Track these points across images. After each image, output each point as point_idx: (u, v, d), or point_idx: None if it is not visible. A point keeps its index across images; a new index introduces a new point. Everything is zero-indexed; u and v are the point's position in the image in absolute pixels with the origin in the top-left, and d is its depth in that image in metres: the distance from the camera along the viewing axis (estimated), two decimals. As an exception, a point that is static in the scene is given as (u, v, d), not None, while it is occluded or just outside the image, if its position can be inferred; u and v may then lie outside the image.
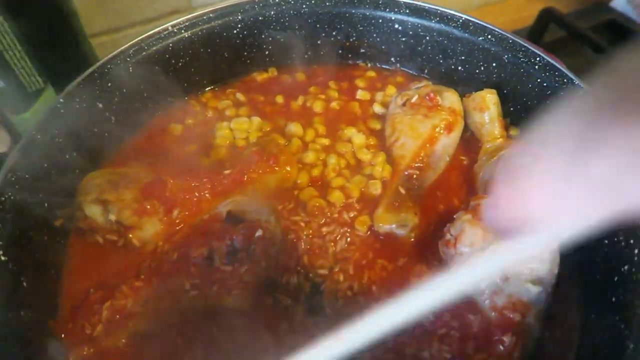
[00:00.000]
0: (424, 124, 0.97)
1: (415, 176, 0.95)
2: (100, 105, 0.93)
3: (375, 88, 1.15)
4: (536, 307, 0.76)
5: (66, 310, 0.78)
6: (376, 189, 0.95)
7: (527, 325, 0.76)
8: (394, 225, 0.88)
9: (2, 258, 0.69)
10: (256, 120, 1.04)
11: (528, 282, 0.76)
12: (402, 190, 0.93)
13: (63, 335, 0.73)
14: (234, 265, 0.77)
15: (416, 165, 0.96)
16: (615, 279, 0.71)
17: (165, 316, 0.77)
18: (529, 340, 0.75)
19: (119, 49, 0.96)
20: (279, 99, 1.11)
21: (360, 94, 1.13)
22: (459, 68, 1.08)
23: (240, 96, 1.11)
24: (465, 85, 1.06)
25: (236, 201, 0.85)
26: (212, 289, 0.77)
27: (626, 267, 0.69)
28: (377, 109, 1.10)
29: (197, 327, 0.76)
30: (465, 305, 0.78)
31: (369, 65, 1.20)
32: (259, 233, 0.80)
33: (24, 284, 0.71)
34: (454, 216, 0.84)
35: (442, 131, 0.97)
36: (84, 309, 0.75)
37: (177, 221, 0.87)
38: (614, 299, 0.70)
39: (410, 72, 1.18)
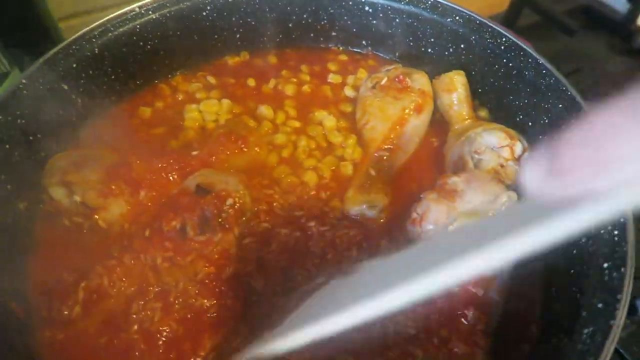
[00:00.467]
0: (393, 106, 0.98)
1: (385, 158, 0.96)
2: (65, 87, 0.91)
3: (346, 71, 1.15)
4: (498, 281, 0.77)
5: (35, 294, 0.77)
6: (347, 170, 0.95)
7: (489, 299, 0.77)
8: (363, 206, 0.89)
9: (-38, 239, 0.68)
10: (226, 102, 1.04)
11: (491, 257, 0.77)
12: (373, 172, 0.94)
13: (38, 321, 0.73)
14: (207, 235, 0.78)
15: (386, 147, 0.97)
16: (574, 251, 0.72)
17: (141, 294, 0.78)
18: (493, 315, 0.77)
19: (84, 30, 0.95)
20: (251, 82, 1.11)
21: (332, 78, 1.13)
22: (429, 50, 1.08)
23: (211, 79, 1.11)
24: (435, 67, 1.06)
25: (204, 174, 0.85)
26: (186, 260, 0.77)
27: (583, 240, 0.71)
28: (349, 92, 1.10)
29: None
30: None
31: (341, 48, 1.20)
32: (229, 201, 0.81)
33: (-16, 264, 0.70)
34: (421, 195, 0.85)
35: (411, 113, 0.97)
36: (59, 291, 0.74)
37: (145, 202, 0.86)
38: (572, 271, 0.72)
39: (382, 55, 1.18)
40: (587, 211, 0.37)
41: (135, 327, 0.75)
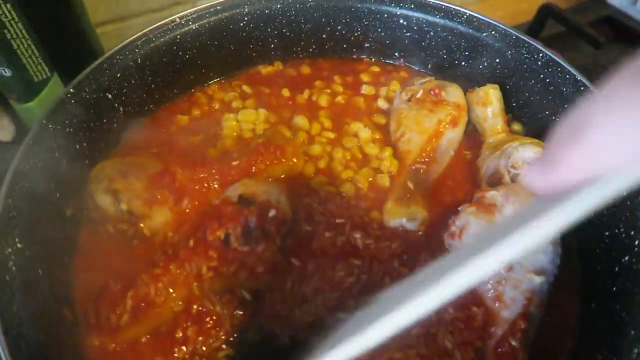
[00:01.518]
0: (429, 119, 0.99)
1: (422, 170, 0.97)
2: (109, 96, 0.93)
3: (379, 83, 1.16)
4: (539, 297, 0.78)
5: (81, 301, 0.79)
6: (384, 182, 0.97)
7: (529, 315, 0.78)
8: (403, 219, 0.90)
9: (18, 245, 0.69)
10: (263, 112, 1.05)
11: (531, 272, 0.78)
12: (410, 185, 0.95)
13: (86, 328, 0.74)
14: (251, 245, 0.80)
15: (423, 159, 0.98)
16: (616, 269, 0.73)
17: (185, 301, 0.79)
18: (531, 328, 0.78)
19: (128, 40, 0.96)
20: (285, 92, 1.12)
21: (365, 89, 1.14)
22: (463, 63, 1.10)
23: (246, 88, 1.12)
24: (469, 80, 1.08)
25: (246, 184, 0.87)
26: (229, 270, 0.79)
27: (627, 258, 0.72)
28: (381, 103, 1.11)
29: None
30: (469, 298, 0.81)
31: (373, 59, 1.21)
32: (272, 212, 0.82)
33: (39, 271, 0.72)
34: (459, 208, 0.86)
35: (447, 125, 0.99)
36: (107, 300, 0.76)
37: (187, 211, 0.88)
38: (614, 289, 0.73)
39: (414, 67, 1.19)
40: (587, 195, 0.40)
41: (180, 333, 0.76)
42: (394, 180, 0.97)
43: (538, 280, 0.78)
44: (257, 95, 1.12)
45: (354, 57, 1.21)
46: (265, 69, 1.18)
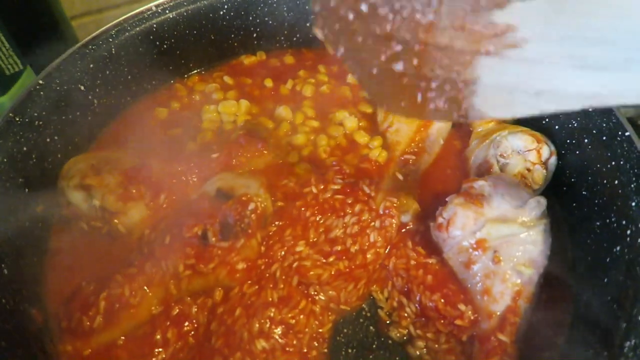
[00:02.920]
0: (417, 109, 0.96)
1: (411, 161, 0.94)
2: (82, 88, 0.90)
3: (365, 72, 1.12)
4: (528, 289, 0.75)
5: (52, 302, 0.76)
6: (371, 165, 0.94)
7: (519, 308, 0.75)
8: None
9: (-19, 244, 0.66)
10: (244, 103, 1.02)
11: (520, 264, 0.75)
12: (400, 176, 0.92)
13: (58, 332, 0.71)
14: (230, 241, 0.77)
15: (412, 149, 0.95)
16: (608, 260, 0.71)
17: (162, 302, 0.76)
18: (521, 322, 0.75)
19: (101, 29, 0.93)
20: (268, 83, 1.09)
21: (351, 78, 1.11)
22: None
23: (227, 79, 1.09)
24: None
25: (224, 178, 0.84)
26: (208, 267, 0.76)
27: (618, 248, 0.69)
28: (368, 93, 1.08)
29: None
30: (457, 293, 0.78)
31: (359, 48, 1.17)
32: (251, 206, 0.79)
33: (4, 271, 0.68)
34: (446, 199, 0.83)
35: (435, 114, 0.95)
36: (79, 302, 0.73)
37: (164, 206, 0.85)
38: (606, 280, 0.70)
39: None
40: None
41: (159, 336, 0.73)
42: (382, 172, 0.94)
43: (527, 272, 0.75)
44: (239, 86, 1.08)
45: (339, 46, 1.17)
46: (247, 60, 1.14)
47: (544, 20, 0.49)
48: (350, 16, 0.55)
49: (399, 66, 0.57)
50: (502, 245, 0.76)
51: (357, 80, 0.62)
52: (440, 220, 0.82)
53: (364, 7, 0.54)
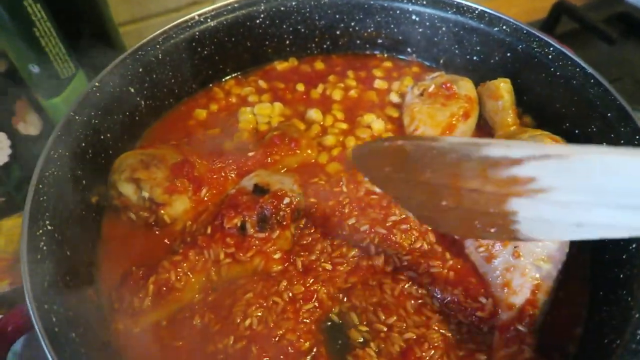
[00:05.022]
0: (442, 113, 1.01)
1: None
2: (132, 90, 0.98)
3: (391, 78, 1.18)
4: (546, 284, 0.80)
5: (105, 284, 0.83)
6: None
7: (537, 301, 0.80)
8: None
9: (48, 227, 0.74)
10: (278, 105, 1.09)
11: (539, 259, 0.80)
12: None
13: (110, 312, 0.78)
14: (267, 232, 0.83)
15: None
16: (624, 256, 0.75)
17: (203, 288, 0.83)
18: (539, 314, 0.79)
19: (149, 37, 1.01)
20: (299, 87, 1.16)
21: (378, 83, 1.17)
22: (474, 58, 1.11)
23: (262, 83, 1.16)
24: (480, 74, 1.09)
25: (260, 174, 0.90)
26: (246, 256, 0.83)
27: (634, 246, 0.73)
28: (394, 97, 1.14)
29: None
30: (478, 286, 0.83)
31: (386, 55, 1.24)
32: (286, 200, 0.86)
33: (67, 252, 0.76)
34: None
35: (460, 118, 1.00)
36: (130, 285, 0.80)
37: (205, 199, 0.92)
38: (621, 276, 0.74)
39: (426, 63, 1.21)
40: None
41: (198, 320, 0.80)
42: None
43: (546, 267, 0.79)
44: (273, 90, 1.15)
45: (367, 52, 1.24)
46: (280, 65, 1.21)
47: (564, 176, 0.50)
48: (389, 170, 0.64)
49: (443, 202, 0.63)
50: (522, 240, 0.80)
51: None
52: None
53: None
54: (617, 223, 0.50)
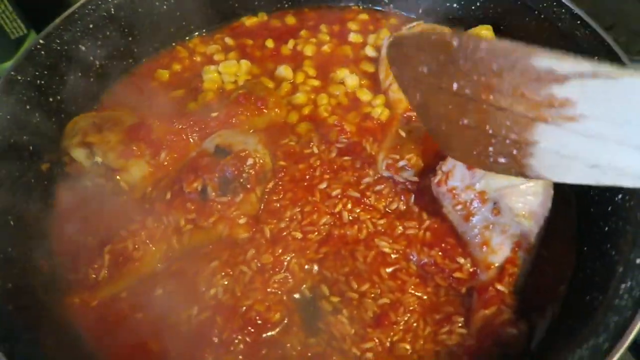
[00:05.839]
0: (418, 64, 0.94)
1: (414, 118, 0.93)
2: (83, 48, 0.90)
3: (367, 31, 1.11)
4: (528, 241, 0.75)
5: (61, 256, 0.78)
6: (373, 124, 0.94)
7: (518, 259, 0.75)
8: (388, 173, 0.86)
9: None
10: (245, 63, 1.02)
11: (520, 216, 0.74)
12: (403, 133, 0.91)
13: (65, 284, 0.74)
14: (229, 196, 0.78)
15: (413, 107, 0.94)
16: (609, 208, 0.70)
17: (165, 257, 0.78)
18: (520, 273, 0.74)
19: (101, -12, 0.92)
20: (269, 44, 1.08)
21: (353, 37, 1.09)
22: (454, 5, 1.04)
23: (229, 41, 1.08)
24: (461, 22, 1.02)
25: (222, 135, 0.84)
26: (209, 222, 0.77)
27: (620, 196, 0.68)
28: (370, 52, 1.06)
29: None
30: (456, 246, 0.78)
31: (362, 7, 1.15)
32: (249, 162, 0.80)
33: (11, 222, 0.71)
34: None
35: (440, 70, 0.94)
36: (85, 255, 0.75)
37: (165, 164, 0.86)
38: (606, 229, 0.69)
39: (404, 13, 1.13)
40: None
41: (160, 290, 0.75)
42: (385, 130, 0.93)
43: (527, 224, 0.74)
44: (240, 47, 1.08)
45: (342, 4, 1.15)
46: (249, 21, 1.13)
47: (602, 102, 0.49)
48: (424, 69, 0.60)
49: (464, 120, 0.60)
50: (502, 196, 0.75)
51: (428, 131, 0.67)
52: (439, 174, 0.82)
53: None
54: (631, 169, 0.50)
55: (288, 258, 0.77)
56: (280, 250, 0.77)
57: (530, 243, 0.75)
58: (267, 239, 0.79)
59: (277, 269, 0.76)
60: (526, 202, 0.75)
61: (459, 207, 0.79)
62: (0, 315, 0.60)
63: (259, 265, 0.76)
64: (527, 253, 0.75)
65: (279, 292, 0.75)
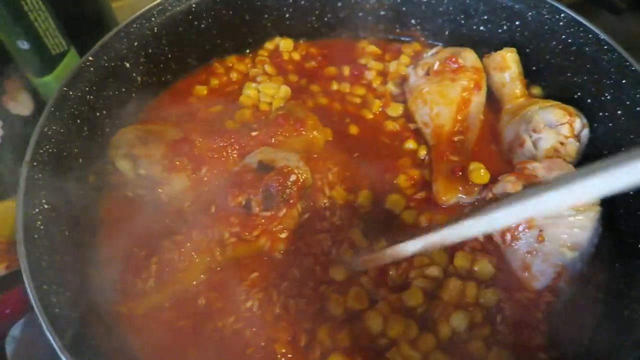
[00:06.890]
0: (453, 88, 0.96)
1: (459, 140, 0.95)
2: (127, 65, 0.94)
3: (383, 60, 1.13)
4: (569, 272, 0.76)
5: (108, 264, 0.80)
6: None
7: (557, 289, 0.76)
8: (461, 195, 0.88)
9: (45, 206, 0.70)
10: (285, 90, 1.04)
11: (565, 246, 0.75)
12: (454, 158, 0.92)
13: (112, 294, 0.76)
14: (273, 211, 0.80)
15: (458, 129, 0.95)
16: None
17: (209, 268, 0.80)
18: (558, 302, 0.76)
19: (143, 9, 0.96)
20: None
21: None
22: (481, 28, 1.07)
23: (267, 66, 1.10)
24: (486, 46, 1.05)
25: (264, 151, 0.87)
26: (252, 235, 0.80)
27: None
28: (392, 88, 1.09)
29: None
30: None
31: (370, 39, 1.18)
32: (292, 177, 0.82)
33: (65, 232, 0.73)
34: (498, 178, 0.84)
35: (472, 91, 0.96)
36: (132, 266, 0.77)
37: (205, 179, 0.88)
38: (639, 246, 0.72)
39: (430, 41, 1.15)
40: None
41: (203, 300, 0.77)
42: (434, 157, 0.94)
43: (570, 255, 0.75)
44: (278, 67, 1.10)
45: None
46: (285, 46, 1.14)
47: None
48: None
49: None
50: (549, 225, 0.76)
51: None
52: (489, 196, 0.84)
53: None
54: None
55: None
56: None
57: (572, 275, 0.76)
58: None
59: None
60: (572, 234, 0.76)
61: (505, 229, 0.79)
62: (68, 323, 0.61)
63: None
64: (568, 284, 0.76)
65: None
